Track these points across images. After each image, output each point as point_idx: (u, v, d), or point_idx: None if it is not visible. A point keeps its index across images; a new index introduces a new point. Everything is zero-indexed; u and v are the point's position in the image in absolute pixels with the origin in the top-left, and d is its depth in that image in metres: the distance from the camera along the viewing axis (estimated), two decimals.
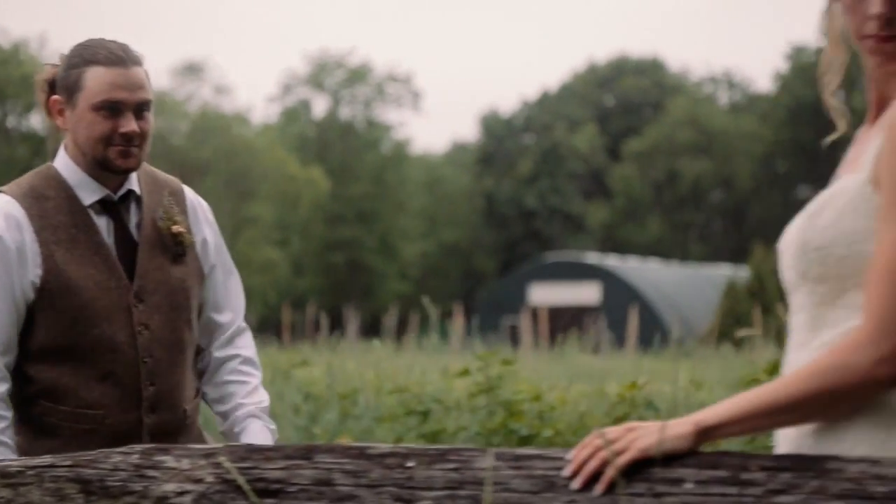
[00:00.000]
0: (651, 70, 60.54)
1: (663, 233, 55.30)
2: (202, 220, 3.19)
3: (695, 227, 56.52)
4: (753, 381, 4.82)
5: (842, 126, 2.16)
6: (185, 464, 2.20)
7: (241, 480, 2.13)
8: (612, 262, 42.83)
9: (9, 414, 2.95)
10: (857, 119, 2.10)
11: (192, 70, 47.59)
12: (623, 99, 60.00)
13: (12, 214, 2.96)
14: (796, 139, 51.92)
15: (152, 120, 3.02)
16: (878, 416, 1.95)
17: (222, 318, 3.21)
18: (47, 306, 2.95)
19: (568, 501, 1.96)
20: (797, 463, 1.89)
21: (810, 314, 2.04)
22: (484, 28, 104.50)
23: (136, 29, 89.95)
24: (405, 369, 8.16)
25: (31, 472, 2.26)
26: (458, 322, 24.06)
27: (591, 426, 6.10)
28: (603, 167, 57.03)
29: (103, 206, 3.03)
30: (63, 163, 3.05)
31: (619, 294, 38.85)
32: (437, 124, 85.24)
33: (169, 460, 2.21)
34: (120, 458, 2.24)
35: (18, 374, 2.99)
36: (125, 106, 2.95)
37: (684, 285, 40.61)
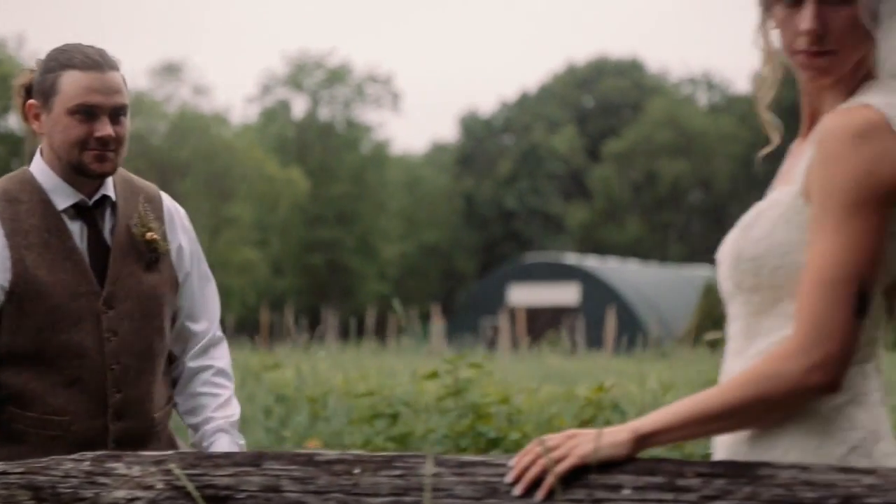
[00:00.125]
0: (630, 71, 60.70)
1: (642, 233, 55.46)
2: (178, 226, 3.18)
3: (674, 227, 56.68)
4: (709, 384, 4.87)
5: (776, 139, 2.21)
6: (135, 470, 2.23)
7: (190, 487, 2.16)
8: (591, 262, 42.92)
9: None
10: None
11: (170, 70, 47.49)
12: (602, 100, 60.14)
13: None
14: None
15: (128, 125, 3.02)
16: (809, 424, 1.99)
17: (197, 326, 3.21)
18: (15, 310, 2.94)
19: None
20: (731, 469, 1.93)
21: (746, 323, 2.09)
22: (463, 29, 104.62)
23: (114, 29, 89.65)
24: (376, 371, 8.19)
25: None
26: (436, 323, 24.09)
27: (559, 428, 6.14)
28: (582, 168, 57.15)
29: (77, 210, 3.03)
30: (38, 167, 3.05)
31: (598, 295, 38.94)
32: (416, 125, 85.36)
33: (120, 467, 2.24)
34: (71, 465, 2.26)
35: None
36: (101, 110, 2.95)
37: (663, 286, 40.73)
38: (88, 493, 2.22)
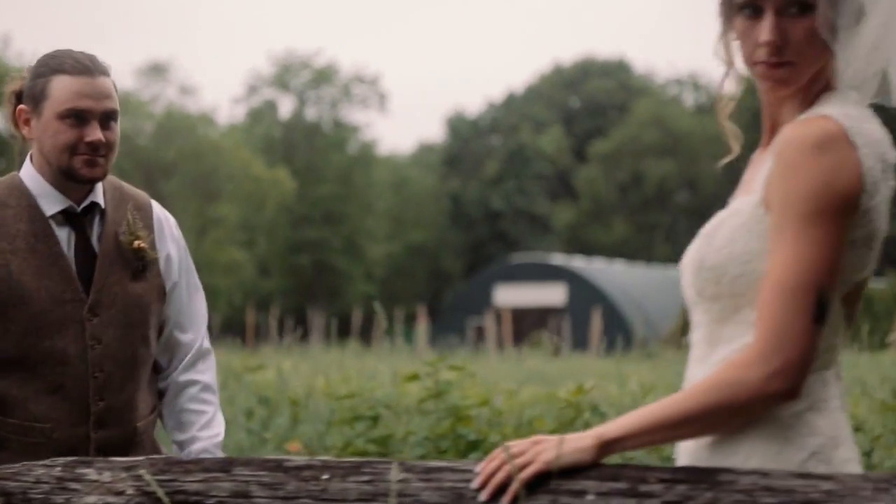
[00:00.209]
0: (617, 72, 60.77)
1: (629, 234, 55.52)
2: (168, 235, 3.17)
3: (660, 228, 56.77)
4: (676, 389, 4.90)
5: (736, 149, 2.25)
6: (106, 476, 2.25)
7: (160, 493, 2.18)
8: (577, 263, 42.97)
9: None
10: None
11: (156, 70, 47.41)
12: (589, 100, 60.19)
13: None
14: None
15: (119, 131, 3.02)
16: (769, 430, 2.02)
17: (185, 337, 3.20)
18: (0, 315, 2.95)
19: None
20: (692, 475, 1.96)
21: (708, 330, 2.11)
22: (450, 30, 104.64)
23: (100, 29, 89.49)
24: (358, 373, 8.21)
25: None
26: (421, 324, 24.11)
27: (539, 431, 6.17)
28: (569, 168, 57.20)
29: (66, 217, 3.03)
30: (28, 172, 3.05)
31: (585, 295, 38.99)
32: (403, 125, 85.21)
33: (91, 473, 2.26)
34: (43, 471, 2.28)
35: None
36: (91, 115, 2.95)
37: (650, 287, 40.79)
38: (59, 499, 2.24)
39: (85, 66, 2.97)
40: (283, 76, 51.82)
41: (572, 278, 40.82)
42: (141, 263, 3.07)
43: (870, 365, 12.10)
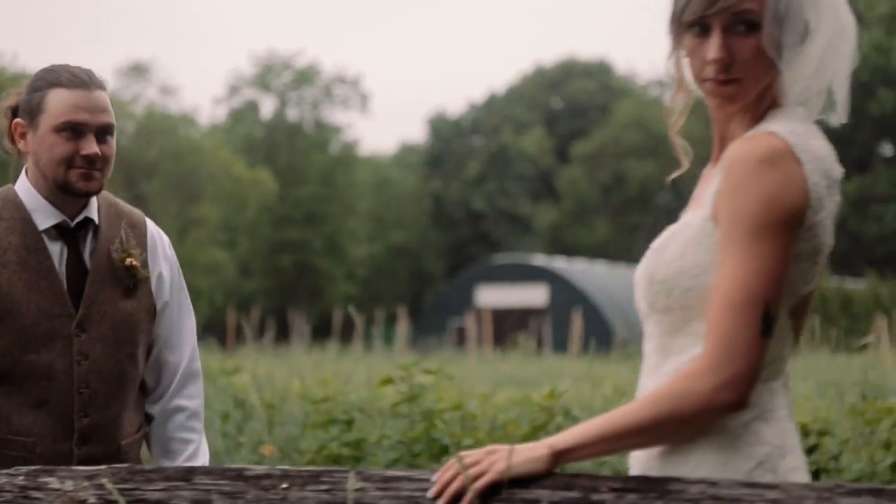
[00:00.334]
0: (598, 73, 60.90)
1: (610, 235, 55.65)
2: (160, 255, 3.17)
3: (642, 229, 56.88)
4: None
5: (686, 163, 2.29)
6: (68, 485, 2.27)
7: (122, 501, 2.20)
8: (559, 264, 43.05)
9: None
10: None
11: (137, 70, 47.34)
12: (571, 101, 60.31)
13: None
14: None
15: (115, 145, 3.03)
16: (718, 440, 2.06)
17: (173, 357, 3.19)
18: None
19: None
20: (642, 484, 1.99)
21: (660, 342, 2.16)
22: (432, 30, 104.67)
23: (81, 29, 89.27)
24: (335, 376, 8.22)
25: None
26: (401, 326, 24.14)
27: (512, 434, 6.20)
28: (551, 169, 57.30)
29: (59, 231, 3.03)
30: (23, 186, 3.05)
31: (566, 296, 39.07)
32: (385, 126, 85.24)
33: (53, 482, 2.28)
34: (5, 480, 2.30)
35: None
36: (87, 128, 2.96)
37: (631, 288, 40.31)
38: None
39: (81, 80, 2.99)
40: (265, 76, 51.79)
41: (554, 279, 40.90)
42: (132, 281, 3.07)
43: (847, 366, 12.18)
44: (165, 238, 3.22)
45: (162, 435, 3.20)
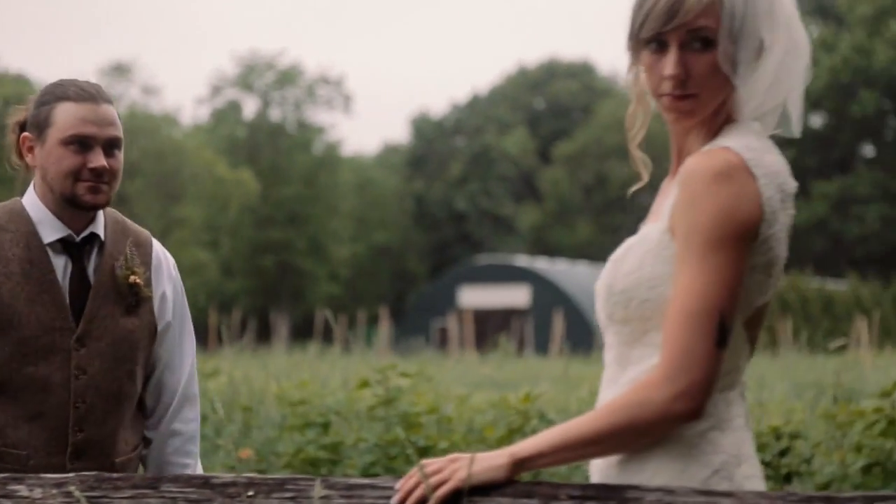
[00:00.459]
0: (581, 73, 61.00)
1: (592, 235, 55.73)
2: (165, 275, 3.17)
3: (624, 229, 56.91)
4: None
5: (645, 176, 2.33)
6: (37, 493, 2.30)
7: None
8: (541, 264, 43.13)
9: None
10: None
11: (120, 70, 47.24)
12: (553, 102, 60.39)
13: None
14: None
15: (122, 159, 3.03)
16: (675, 448, 2.10)
17: (172, 378, 3.19)
18: None
19: None
20: (601, 492, 2.03)
21: (619, 352, 2.19)
22: (414, 30, 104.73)
23: (63, 28, 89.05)
24: (313, 378, 8.24)
25: None
26: (383, 327, 24.15)
27: (488, 438, 6.24)
28: (533, 170, 57.36)
29: (64, 245, 3.04)
30: (30, 199, 3.06)
31: (548, 296, 39.15)
32: (367, 126, 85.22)
33: (22, 489, 2.31)
34: None
35: None
36: (95, 141, 2.97)
37: None
38: None
39: (89, 94, 3.00)
40: (248, 77, 51.71)
41: (536, 279, 40.98)
42: (135, 299, 3.07)
43: (825, 368, 12.24)
44: (171, 259, 3.23)
45: (159, 458, 3.21)
